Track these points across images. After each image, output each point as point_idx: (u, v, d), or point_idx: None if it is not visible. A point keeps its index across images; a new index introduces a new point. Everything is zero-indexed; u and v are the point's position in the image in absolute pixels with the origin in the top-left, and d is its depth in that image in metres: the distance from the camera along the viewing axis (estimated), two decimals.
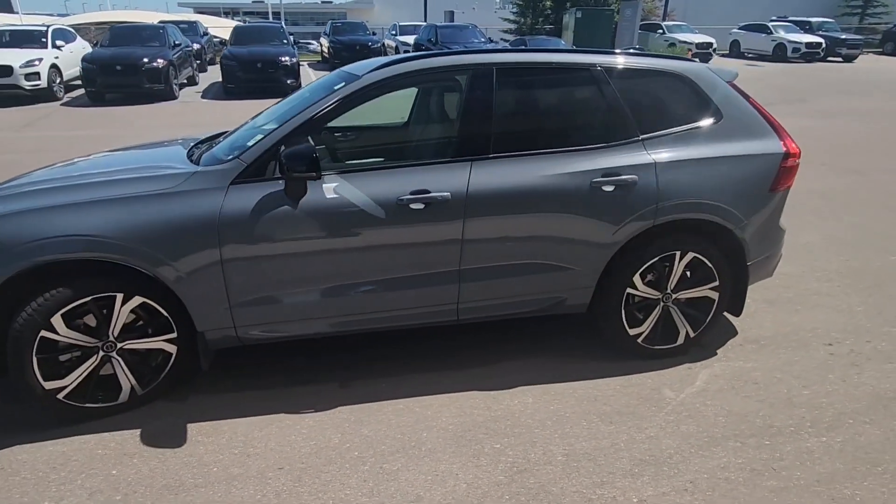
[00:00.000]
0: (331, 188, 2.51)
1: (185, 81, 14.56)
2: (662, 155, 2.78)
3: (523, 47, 13.49)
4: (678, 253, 2.86)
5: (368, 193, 2.52)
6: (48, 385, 2.40)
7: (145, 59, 12.30)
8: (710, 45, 21.73)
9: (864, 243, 4.73)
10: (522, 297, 2.82)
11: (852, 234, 4.94)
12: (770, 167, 2.92)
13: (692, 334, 3.04)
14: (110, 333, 2.47)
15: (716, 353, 3.11)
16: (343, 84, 2.72)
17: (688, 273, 2.94)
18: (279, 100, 3.44)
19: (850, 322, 3.45)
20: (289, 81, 13.35)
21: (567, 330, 3.30)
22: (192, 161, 2.77)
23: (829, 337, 3.28)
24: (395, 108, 3.51)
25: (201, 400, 2.71)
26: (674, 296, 2.97)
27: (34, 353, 2.33)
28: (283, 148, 2.41)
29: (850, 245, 4.68)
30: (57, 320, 2.33)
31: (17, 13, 48.46)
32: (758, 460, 2.32)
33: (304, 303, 2.61)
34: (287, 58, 13.58)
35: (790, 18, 25.16)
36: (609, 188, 2.70)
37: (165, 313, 2.51)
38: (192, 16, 31.05)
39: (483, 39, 17.18)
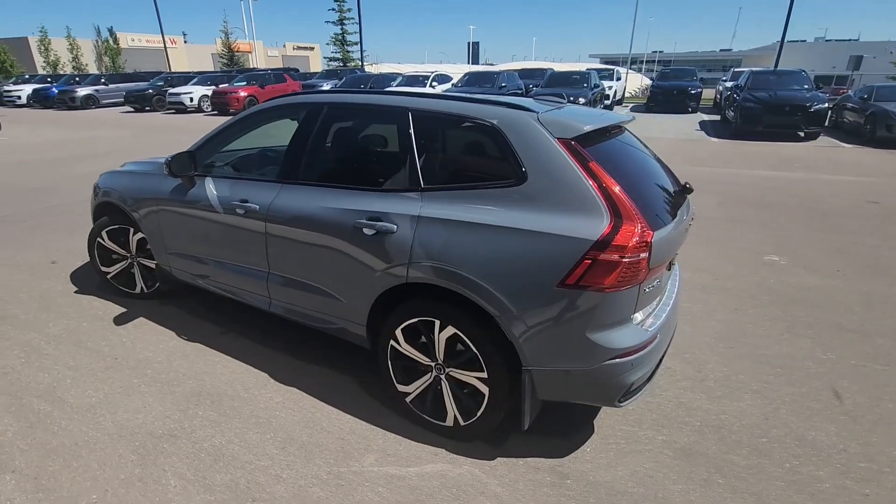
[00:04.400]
0: (204, 186, 2.89)
1: None
2: (431, 210, 2.08)
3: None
4: (437, 322, 2.11)
5: (219, 195, 2.79)
6: (103, 269, 3.61)
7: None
8: None
9: None
10: (311, 313, 2.59)
11: None
12: (566, 254, 1.81)
13: (462, 422, 2.19)
14: (131, 250, 3.50)
15: (493, 459, 2.15)
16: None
17: (453, 349, 2.13)
18: None
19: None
20: None
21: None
22: None
23: None
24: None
25: (163, 309, 3.49)
26: (446, 369, 2.20)
27: (95, 251, 3.56)
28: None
29: None
30: (104, 235, 3.49)
31: (477, 63, 60.81)
32: None
33: (193, 262, 3.08)
34: None
35: None
36: (369, 231, 2.20)
37: None
38: (544, 64, 33.60)
39: (807, 86, 12.55)
